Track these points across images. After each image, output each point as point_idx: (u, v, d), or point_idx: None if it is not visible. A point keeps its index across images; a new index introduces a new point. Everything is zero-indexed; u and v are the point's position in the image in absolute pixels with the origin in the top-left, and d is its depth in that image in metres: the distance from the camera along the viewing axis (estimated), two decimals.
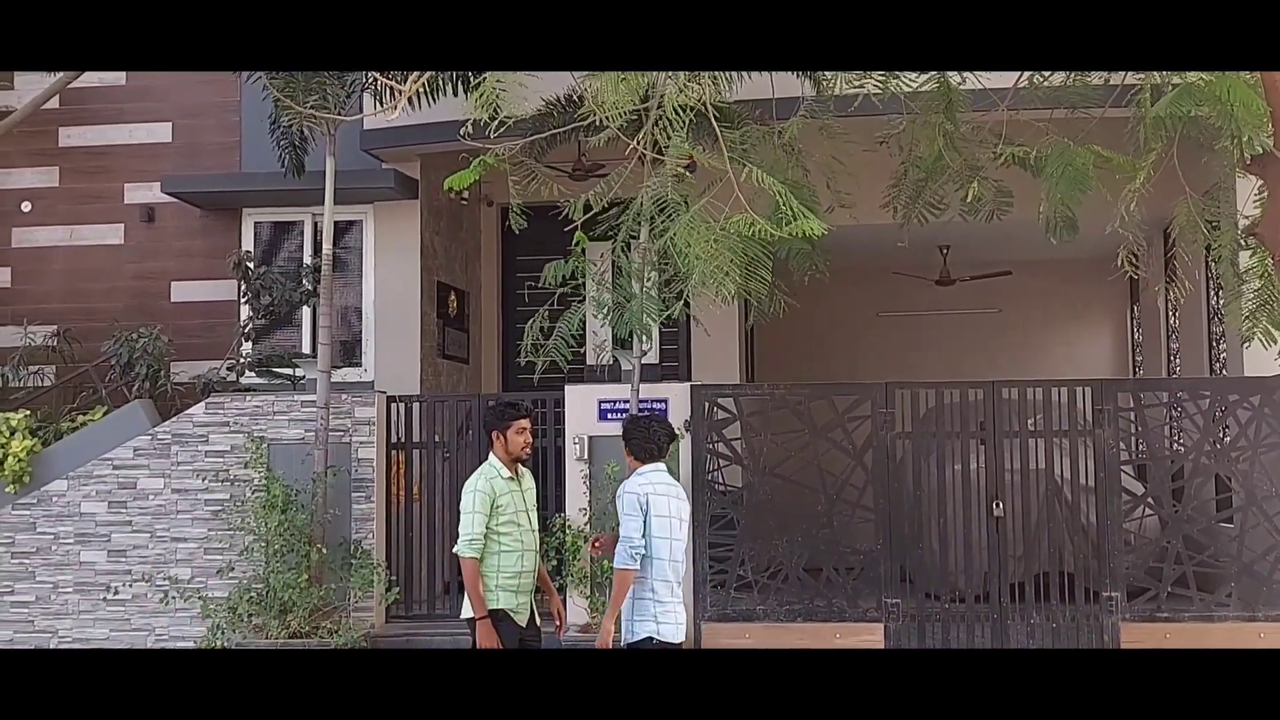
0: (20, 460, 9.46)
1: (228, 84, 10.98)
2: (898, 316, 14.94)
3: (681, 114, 6.88)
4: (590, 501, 8.76)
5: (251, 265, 10.31)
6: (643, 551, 5.89)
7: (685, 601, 6.64)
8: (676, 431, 6.92)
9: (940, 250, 13.12)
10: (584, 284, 8.28)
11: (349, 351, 11.05)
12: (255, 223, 11.24)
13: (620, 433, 6.26)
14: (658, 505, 5.93)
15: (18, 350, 10.48)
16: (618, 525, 6.01)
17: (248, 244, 11.07)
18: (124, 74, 11.16)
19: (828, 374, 12.48)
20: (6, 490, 9.51)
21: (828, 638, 8.50)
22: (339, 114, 8.95)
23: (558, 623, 6.48)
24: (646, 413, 8.06)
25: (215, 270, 10.89)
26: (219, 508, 9.28)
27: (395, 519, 9.41)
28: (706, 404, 8.82)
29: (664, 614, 5.93)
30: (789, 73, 7.99)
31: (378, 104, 9.10)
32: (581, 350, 9.22)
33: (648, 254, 8.00)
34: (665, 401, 8.77)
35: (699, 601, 8.62)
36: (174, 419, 9.54)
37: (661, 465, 6.13)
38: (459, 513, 6.25)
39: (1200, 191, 7.26)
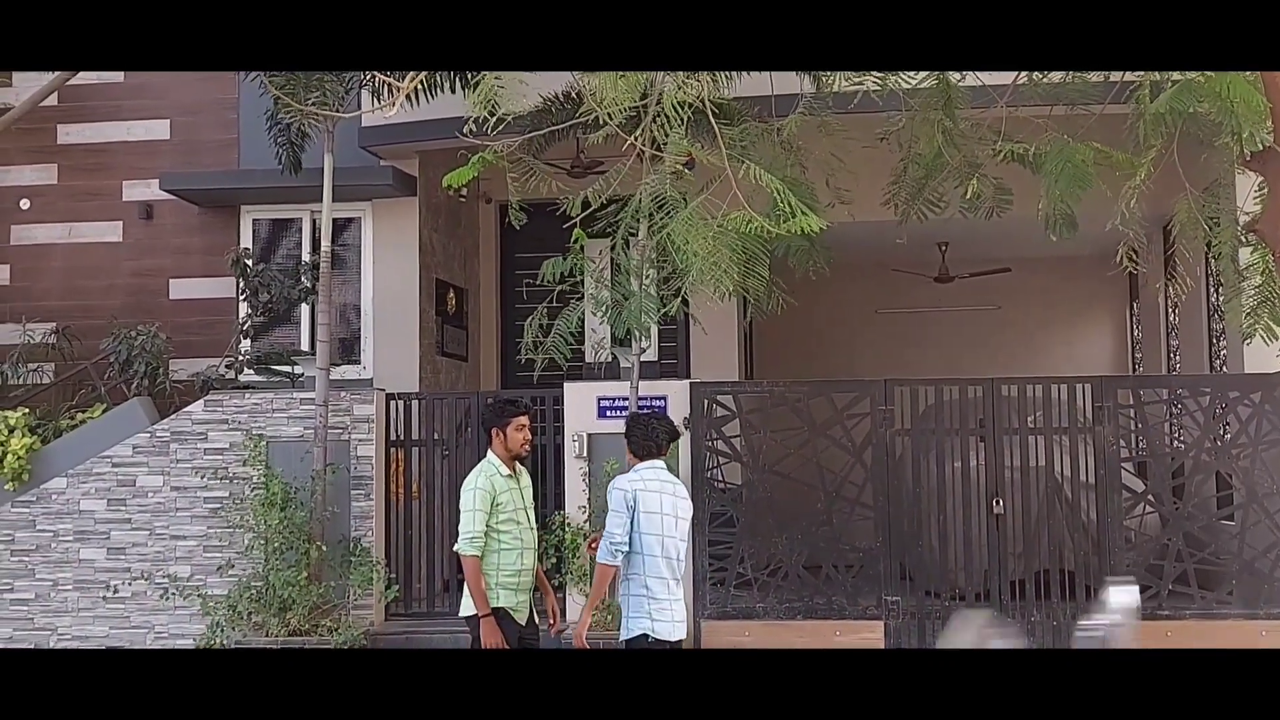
0: (19, 458, 9.46)
1: (226, 82, 10.98)
2: (897, 313, 14.93)
3: (680, 111, 6.86)
4: (589, 499, 8.75)
5: (250, 262, 10.30)
6: (625, 548, 5.89)
7: (685, 599, 6.62)
8: (679, 429, 6.91)
9: (939, 247, 13.12)
10: (583, 281, 8.27)
11: (348, 349, 11.03)
12: (254, 220, 11.23)
13: (622, 430, 6.26)
14: (647, 502, 5.92)
15: (17, 348, 10.47)
16: None
17: (246, 241, 11.07)
18: (122, 72, 11.15)
19: (827, 371, 12.49)
20: (6, 488, 9.51)
21: (827, 635, 8.49)
22: (337, 111, 8.94)
23: (551, 620, 6.48)
24: (649, 410, 8.06)
25: (214, 268, 10.88)
26: (218, 505, 9.27)
27: (394, 516, 9.40)
28: (705, 401, 8.82)
29: (659, 611, 5.92)
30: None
31: (376, 101, 9.08)
32: (580, 347, 9.21)
33: (646, 251, 7.99)
34: (664, 399, 8.76)
35: (699, 599, 8.61)
36: (173, 416, 9.54)
37: (660, 463, 6.13)
38: (458, 510, 6.25)
39: (1200, 188, 7.25)
